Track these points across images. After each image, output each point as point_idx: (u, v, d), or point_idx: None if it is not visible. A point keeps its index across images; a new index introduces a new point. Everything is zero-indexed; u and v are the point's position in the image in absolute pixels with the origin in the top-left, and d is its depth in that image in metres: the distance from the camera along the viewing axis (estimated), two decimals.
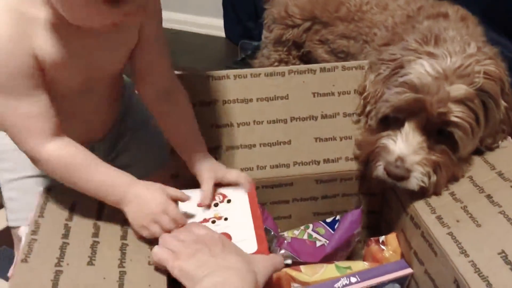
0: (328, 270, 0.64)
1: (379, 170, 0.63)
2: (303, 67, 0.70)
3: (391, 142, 0.63)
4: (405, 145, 0.62)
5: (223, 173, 0.63)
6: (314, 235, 0.70)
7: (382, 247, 0.67)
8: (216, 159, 0.65)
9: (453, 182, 0.63)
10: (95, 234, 0.57)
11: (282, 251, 0.66)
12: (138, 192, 0.55)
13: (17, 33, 0.49)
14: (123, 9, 0.47)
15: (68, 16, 0.48)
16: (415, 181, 0.61)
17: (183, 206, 0.59)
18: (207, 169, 0.62)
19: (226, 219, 0.60)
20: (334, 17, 0.93)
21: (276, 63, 1.08)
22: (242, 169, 0.68)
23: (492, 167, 0.63)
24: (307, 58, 1.05)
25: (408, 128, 0.63)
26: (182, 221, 0.56)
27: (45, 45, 0.51)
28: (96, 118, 0.66)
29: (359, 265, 0.65)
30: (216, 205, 0.62)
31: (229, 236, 0.57)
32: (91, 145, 0.64)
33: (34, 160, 0.54)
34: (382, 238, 0.68)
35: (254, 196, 0.62)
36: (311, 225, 0.72)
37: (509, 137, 0.67)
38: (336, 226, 0.70)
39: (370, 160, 0.66)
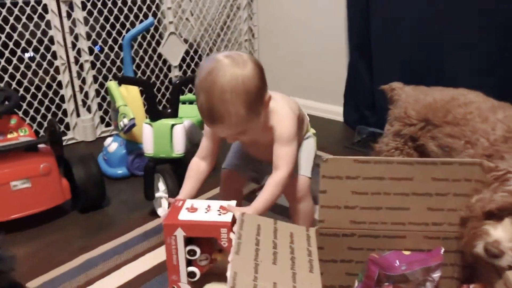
0: None
1: (479, 247, 0.85)
2: (428, 160, 0.94)
3: (492, 229, 0.85)
4: (503, 233, 0.84)
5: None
6: None
7: None
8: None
9: None
10: (275, 247, 0.89)
11: None
12: None
13: None
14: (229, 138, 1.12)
15: None
16: (506, 261, 0.83)
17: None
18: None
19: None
20: (443, 121, 1.22)
21: (392, 150, 1.37)
22: (370, 223, 0.97)
23: None
24: (420, 149, 1.32)
25: (507, 222, 0.85)
26: None
27: None
28: (262, 153, 1.23)
29: None
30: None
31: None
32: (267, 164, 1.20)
33: None
34: (472, 286, 0.91)
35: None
36: None
37: None
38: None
39: (471, 240, 0.88)
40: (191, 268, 1.09)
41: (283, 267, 0.84)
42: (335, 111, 2.35)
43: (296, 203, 1.20)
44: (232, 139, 1.13)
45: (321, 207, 0.96)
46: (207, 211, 1.08)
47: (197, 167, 1.21)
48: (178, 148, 1.43)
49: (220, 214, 1.06)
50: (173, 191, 1.40)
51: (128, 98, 1.71)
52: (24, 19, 1.94)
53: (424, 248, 0.98)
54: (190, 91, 2.48)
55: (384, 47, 1.98)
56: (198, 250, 1.07)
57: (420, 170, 0.93)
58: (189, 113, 1.74)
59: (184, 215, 1.06)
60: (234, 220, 1.05)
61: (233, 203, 1.10)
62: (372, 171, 0.93)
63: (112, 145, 1.80)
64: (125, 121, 1.61)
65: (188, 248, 1.06)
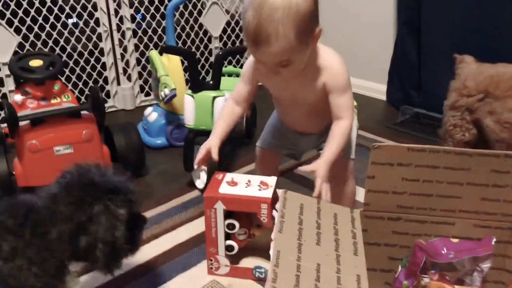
0: None
1: None
2: (490, 152, 0.87)
3: None
4: None
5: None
6: None
7: None
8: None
9: None
10: (318, 227, 0.86)
11: None
12: None
13: None
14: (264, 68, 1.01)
15: None
16: None
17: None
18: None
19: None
20: (506, 94, 1.15)
21: (451, 127, 1.30)
22: (418, 208, 0.93)
23: None
24: (478, 124, 1.26)
25: None
26: None
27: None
28: (300, 120, 1.17)
29: None
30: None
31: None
32: (306, 134, 1.20)
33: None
34: None
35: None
36: None
37: None
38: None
39: None
40: (229, 242, 1.08)
41: (327, 248, 0.82)
42: (378, 89, 2.28)
43: (339, 185, 1.17)
44: (274, 71, 1.00)
45: (368, 192, 0.92)
46: (247, 185, 1.07)
47: (232, 110, 1.16)
48: None
49: (260, 190, 1.05)
50: (212, 164, 1.39)
51: (170, 68, 1.70)
52: None
53: (473, 237, 0.94)
54: (230, 63, 2.45)
55: (435, 24, 1.88)
56: (237, 224, 1.06)
57: (479, 161, 0.87)
58: (230, 86, 1.71)
59: (224, 189, 1.05)
60: (274, 197, 1.03)
61: (273, 179, 1.08)
62: (426, 160, 0.88)
63: (152, 114, 1.80)
64: (166, 91, 1.60)
65: (227, 221, 1.06)
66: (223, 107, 1.19)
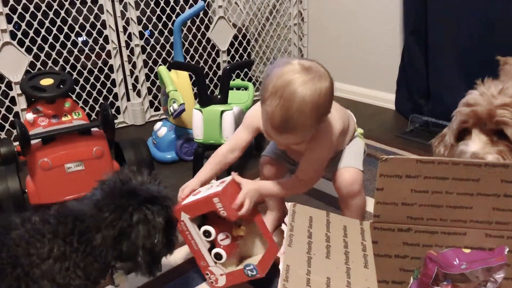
0: None
1: None
2: (498, 162, 0.87)
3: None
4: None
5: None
6: None
7: None
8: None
9: None
10: (328, 240, 0.86)
11: None
12: None
13: None
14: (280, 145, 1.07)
15: None
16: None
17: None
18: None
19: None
20: None
21: None
22: (428, 219, 0.92)
23: None
24: None
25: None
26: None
27: None
28: (296, 156, 1.18)
29: None
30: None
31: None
32: None
33: None
34: None
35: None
36: None
37: None
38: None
39: None
40: (215, 250, 1.07)
41: (337, 262, 0.82)
42: (387, 99, 2.28)
43: (350, 198, 1.16)
44: (286, 147, 1.09)
45: (377, 203, 0.92)
46: (208, 189, 1.07)
47: (224, 159, 1.16)
48: (227, 134, 1.42)
49: (215, 188, 1.05)
50: (221, 177, 1.40)
51: (178, 83, 1.72)
52: (78, 4, 1.98)
53: (486, 247, 0.93)
54: (238, 76, 2.47)
55: (441, 33, 1.88)
56: (212, 230, 1.06)
57: (488, 171, 0.87)
58: (237, 99, 1.73)
59: (187, 200, 1.06)
60: (230, 189, 1.04)
61: (230, 176, 1.09)
62: (435, 171, 0.88)
63: (162, 129, 1.82)
64: (175, 106, 1.61)
65: (202, 230, 1.06)
66: (216, 152, 1.18)
